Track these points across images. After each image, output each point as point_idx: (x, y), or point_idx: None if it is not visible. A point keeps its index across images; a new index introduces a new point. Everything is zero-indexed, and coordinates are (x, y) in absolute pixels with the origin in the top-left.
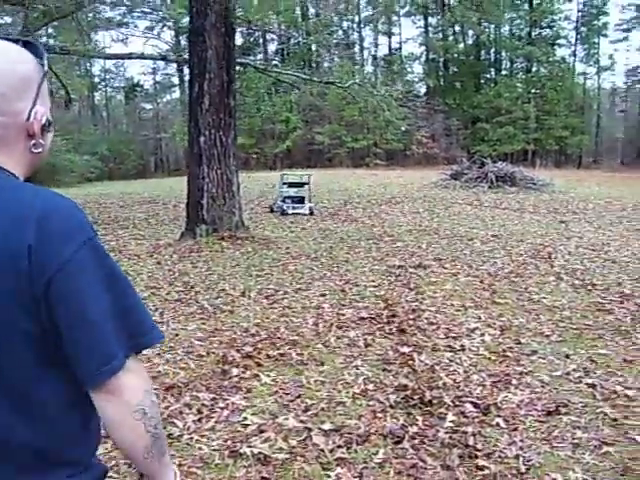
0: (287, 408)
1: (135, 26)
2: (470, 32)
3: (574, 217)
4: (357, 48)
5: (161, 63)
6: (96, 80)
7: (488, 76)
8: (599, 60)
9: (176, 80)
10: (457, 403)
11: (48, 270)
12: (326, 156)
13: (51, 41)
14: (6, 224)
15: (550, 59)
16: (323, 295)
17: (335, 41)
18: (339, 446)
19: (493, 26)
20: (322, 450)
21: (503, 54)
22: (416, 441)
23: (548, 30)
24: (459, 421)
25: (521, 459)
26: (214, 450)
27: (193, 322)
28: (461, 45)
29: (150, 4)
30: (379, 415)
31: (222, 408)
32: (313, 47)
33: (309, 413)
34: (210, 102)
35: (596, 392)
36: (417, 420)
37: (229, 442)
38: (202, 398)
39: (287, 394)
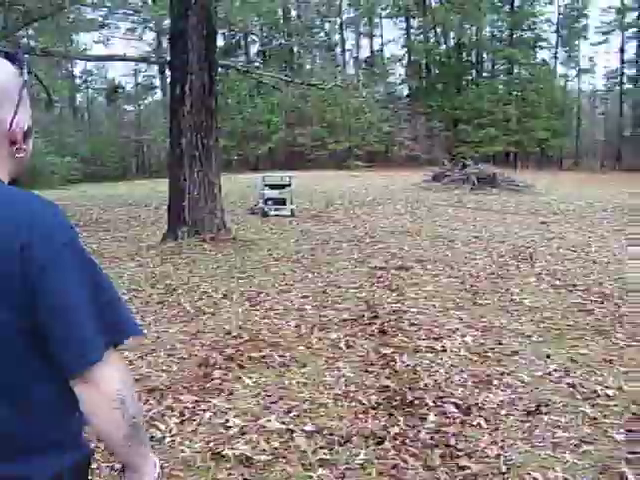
0: (269, 410)
1: (116, 27)
2: (452, 34)
3: (555, 218)
4: (339, 50)
5: (143, 65)
6: (77, 81)
7: (470, 78)
8: (579, 62)
9: (157, 82)
10: (438, 404)
11: (34, 269)
12: (308, 158)
13: (32, 42)
14: None
15: (531, 61)
16: (305, 297)
17: (317, 43)
18: (321, 447)
19: (474, 28)
20: (304, 451)
21: (485, 56)
22: (398, 442)
23: (529, 32)
24: (440, 421)
25: (502, 458)
26: (196, 452)
27: (175, 324)
28: (443, 47)
29: (132, 5)
30: (361, 416)
31: (204, 410)
32: (295, 49)
33: (291, 415)
34: (191, 104)
35: (576, 392)
36: (399, 421)
37: (211, 444)
38: (184, 400)
39: (269, 396)
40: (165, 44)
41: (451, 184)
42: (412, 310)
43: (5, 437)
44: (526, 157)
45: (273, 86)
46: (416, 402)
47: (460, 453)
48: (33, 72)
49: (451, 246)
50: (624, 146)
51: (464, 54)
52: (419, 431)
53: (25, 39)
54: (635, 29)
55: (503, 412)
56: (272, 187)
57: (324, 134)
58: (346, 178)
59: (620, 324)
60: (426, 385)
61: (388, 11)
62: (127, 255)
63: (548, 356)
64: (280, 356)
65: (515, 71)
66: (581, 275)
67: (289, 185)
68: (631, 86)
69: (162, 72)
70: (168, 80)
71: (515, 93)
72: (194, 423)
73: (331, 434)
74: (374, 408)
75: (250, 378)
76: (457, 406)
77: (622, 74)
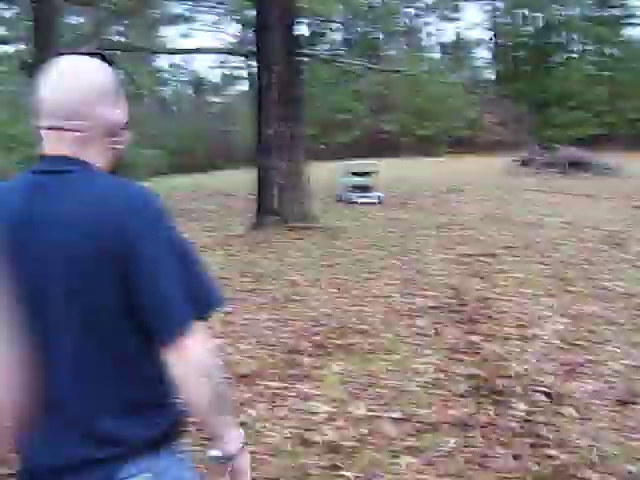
0: (357, 396)
1: (201, 20)
2: (538, 14)
3: None
4: (423, 35)
5: (228, 57)
6: (165, 75)
7: (557, 59)
8: None
9: (244, 73)
10: (528, 392)
11: (129, 244)
12: (393, 145)
13: (121, 38)
14: (99, 208)
15: (621, 40)
16: (392, 284)
17: (400, 29)
18: (409, 434)
19: (562, 7)
20: (392, 438)
21: (574, 36)
22: (486, 430)
23: (619, 9)
24: (530, 410)
25: (594, 449)
26: (285, 438)
27: (264, 312)
28: (529, 28)
29: None
30: (449, 404)
31: (292, 396)
32: (379, 36)
33: (379, 402)
34: (277, 94)
35: None
36: (487, 409)
37: (299, 430)
38: (273, 387)
39: (356, 383)
40: (250, 35)
41: (540, 168)
42: (501, 297)
43: (114, 395)
44: (617, 139)
45: (357, 74)
46: (505, 390)
47: (550, 443)
48: (123, 68)
49: (540, 232)
50: None
51: (552, 35)
52: (508, 420)
53: (115, 36)
54: None
55: (594, 402)
56: (358, 175)
57: (409, 121)
58: (432, 164)
59: None
60: (515, 373)
61: None
62: (216, 244)
63: None
64: (367, 343)
65: (605, 50)
66: None
67: (375, 172)
68: None
69: (248, 63)
70: (254, 71)
71: (605, 73)
72: (283, 409)
73: (419, 421)
74: (462, 396)
75: (338, 365)
76: (547, 395)
77: None
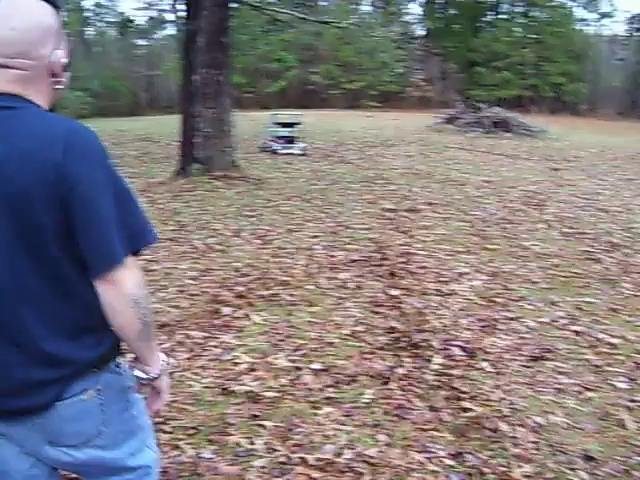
0: (277, 347)
1: None
2: None
3: (567, 165)
4: None
5: None
6: (88, 14)
7: (487, 19)
8: (600, 7)
9: (170, 16)
10: (445, 346)
11: (69, 181)
12: (321, 96)
13: None
14: (39, 144)
15: (550, 4)
16: (315, 237)
17: None
18: (328, 386)
19: None
20: (311, 389)
21: None
22: (403, 382)
23: None
24: (446, 364)
25: (505, 402)
26: (205, 387)
27: (185, 261)
28: None
29: None
30: (368, 356)
31: (214, 347)
32: None
33: (299, 353)
34: (205, 40)
35: (581, 339)
36: (405, 362)
37: (220, 380)
38: (194, 336)
39: (278, 334)
40: None
41: (464, 127)
42: (421, 253)
43: (64, 321)
44: (541, 102)
45: (287, 23)
46: (422, 344)
47: (464, 395)
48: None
49: (462, 190)
50: None
51: None
52: (424, 373)
53: None
54: None
55: (508, 357)
56: (282, 125)
57: (338, 73)
58: (359, 118)
59: (627, 274)
60: (433, 328)
61: None
62: (138, 191)
63: (554, 303)
64: (289, 295)
65: (533, 14)
66: (591, 223)
67: (299, 123)
68: None
69: (175, 6)
70: (181, 14)
71: (532, 36)
72: (203, 359)
73: (338, 373)
74: (381, 349)
75: (259, 316)
76: (463, 349)
77: None
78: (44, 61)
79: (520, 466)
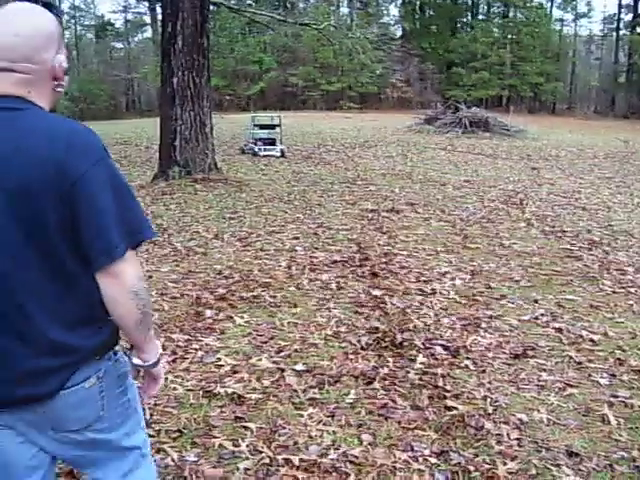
0: (260, 349)
1: None
2: None
3: (546, 164)
4: None
5: (132, 1)
6: (65, 18)
7: (464, 20)
8: (576, 7)
9: (148, 19)
10: (427, 345)
11: (71, 178)
12: (300, 98)
13: None
14: (42, 142)
15: (527, 4)
16: (296, 238)
17: None
18: (311, 386)
19: None
20: (295, 390)
21: None
22: (387, 382)
23: None
24: (429, 363)
25: (489, 400)
26: (188, 390)
27: (167, 264)
28: None
29: None
30: (351, 356)
31: (196, 349)
32: None
33: (282, 354)
34: (183, 42)
35: (562, 336)
36: (388, 362)
37: (203, 382)
38: (176, 339)
39: (260, 335)
40: None
41: (443, 127)
42: (402, 253)
43: (67, 312)
44: (519, 101)
45: (266, 25)
46: (405, 344)
47: (448, 394)
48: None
49: (442, 190)
50: (618, 93)
51: None
52: (408, 372)
53: None
54: None
55: (490, 355)
56: (262, 127)
57: (316, 74)
58: (338, 119)
59: (607, 271)
60: (415, 327)
61: None
62: None
63: (536, 301)
64: (271, 296)
65: (510, 14)
66: (570, 221)
67: (279, 125)
68: (627, 32)
69: (153, 9)
70: (159, 17)
71: (510, 36)
72: (186, 362)
73: (321, 374)
74: (364, 349)
75: (241, 318)
76: (445, 348)
77: (619, 19)
78: (47, 65)
79: (505, 463)
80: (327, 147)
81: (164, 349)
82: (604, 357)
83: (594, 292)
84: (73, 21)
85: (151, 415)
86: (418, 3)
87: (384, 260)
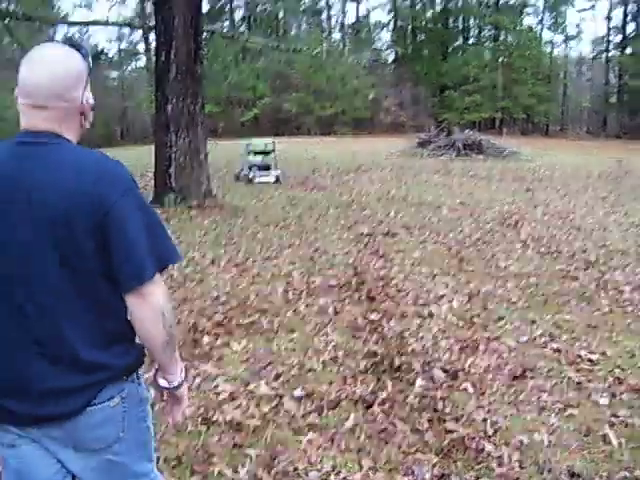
0: (258, 375)
1: None
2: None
3: (540, 185)
4: (325, 15)
5: (126, 30)
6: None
7: (456, 44)
8: (566, 29)
9: (142, 48)
10: (426, 369)
11: (103, 208)
12: (294, 124)
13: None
14: (71, 175)
15: (518, 27)
16: (292, 263)
17: (303, 8)
18: (310, 412)
19: None
20: (294, 416)
21: (471, 22)
22: (386, 406)
23: None
24: (428, 386)
25: (489, 422)
26: (187, 418)
27: None
28: (429, 12)
29: None
30: (349, 381)
31: (194, 376)
32: (280, 14)
33: (280, 380)
34: (177, 70)
35: (561, 357)
36: (387, 386)
37: (201, 409)
38: None
39: (258, 361)
40: (149, 9)
41: (437, 150)
42: (399, 276)
43: (101, 332)
44: (512, 123)
45: (259, 51)
46: (404, 367)
47: (447, 417)
48: (15, 38)
49: (437, 213)
50: (610, 113)
51: (450, 20)
52: (407, 395)
53: (5, 4)
54: None
55: (489, 377)
56: (256, 153)
57: (310, 100)
58: (332, 144)
59: (604, 290)
60: (413, 350)
61: None
62: None
63: (533, 322)
64: (268, 322)
65: (501, 37)
66: (566, 242)
67: (273, 151)
68: (617, 53)
69: (146, 37)
70: (153, 45)
71: (501, 59)
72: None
73: (320, 399)
74: (363, 373)
75: (239, 344)
76: (444, 371)
77: (608, 41)
78: (76, 103)
79: None
80: (322, 172)
81: None
82: (603, 377)
83: (591, 312)
84: None
85: None
86: (410, 28)
87: (381, 284)
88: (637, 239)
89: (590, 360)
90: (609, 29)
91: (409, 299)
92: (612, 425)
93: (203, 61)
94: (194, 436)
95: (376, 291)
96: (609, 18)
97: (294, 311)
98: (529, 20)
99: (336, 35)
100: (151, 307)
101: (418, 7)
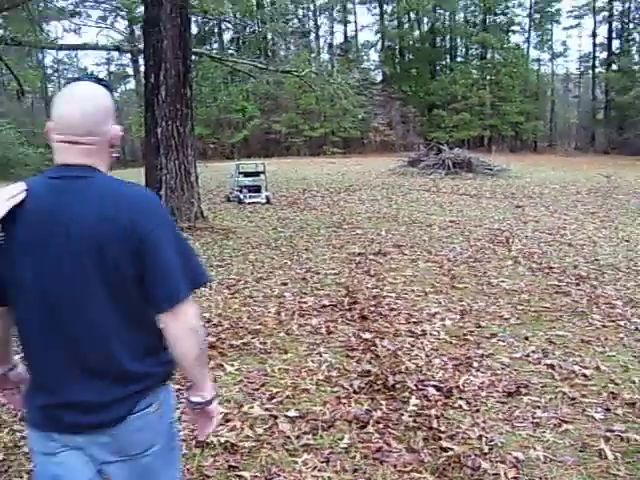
0: (252, 396)
1: (88, 16)
2: (425, 19)
3: (530, 201)
4: (313, 36)
5: (115, 53)
6: (49, 71)
7: (444, 63)
8: (552, 46)
9: (131, 71)
10: (420, 387)
11: (138, 236)
12: (283, 145)
13: (1, 32)
14: (110, 206)
15: (504, 46)
16: (284, 284)
17: (291, 29)
18: (305, 432)
19: (448, 13)
20: (288, 437)
21: (458, 41)
22: (381, 425)
23: (502, 17)
24: (422, 404)
25: (484, 439)
26: (181, 440)
27: None
28: (416, 32)
29: None
30: (343, 401)
31: (187, 399)
32: (269, 35)
33: (274, 401)
34: (166, 93)
35: (555, 372)
36: (381, 405)
37: (196, 432)
38: None
39: (251, 383)
40: (138, 32)
41: (427, 169)
42: (391, 295)
43: (140, 346)
44: (501, 141)
45: (247, 73)
46: (398, 386)
47: (442, 435)
48: (4, 62)
49: (428, 231)
50: (597, 129)
51: (438, 39)
52: (401, 414)
53: None
54: (606, 13)
55: (483, 394)
56: (246, 175)
57: (299, 121)
58: (322, 164)
59: (596, 305)
60: (407, 369)
61: None
62: None
63: (526, 338)
64: (261, 343)
65: (489, 56)
66: (557, 258)
67: (263, 172)
68: (603, 70)
69: (135, 61)
70: (142, 69)
71: (489, 77)
72: (177, 411)
73: (314, 419)
74: (356, 392)
75: (232, 365)
76: (438, 389)
77: (594, 58)
78: (106, 136)
79: None
80: (312, 192)
81: None
82: (597, 391)
83: (584, 327)
84: (57, 74)
85: None
86: (398, 48)
87: (373, 303)
88: (627, 254)
89: (584, 375)
90: (595, 46)
91: (402, 318)
92: (607, 440)
93: (192, 84)
94: (189, 459)
95: (369, 310)
96: (594, 35)
97: (287, 332)
98: (516, 38)
99: (324, 56)
100: (185, 325)
101: (406, 27)
